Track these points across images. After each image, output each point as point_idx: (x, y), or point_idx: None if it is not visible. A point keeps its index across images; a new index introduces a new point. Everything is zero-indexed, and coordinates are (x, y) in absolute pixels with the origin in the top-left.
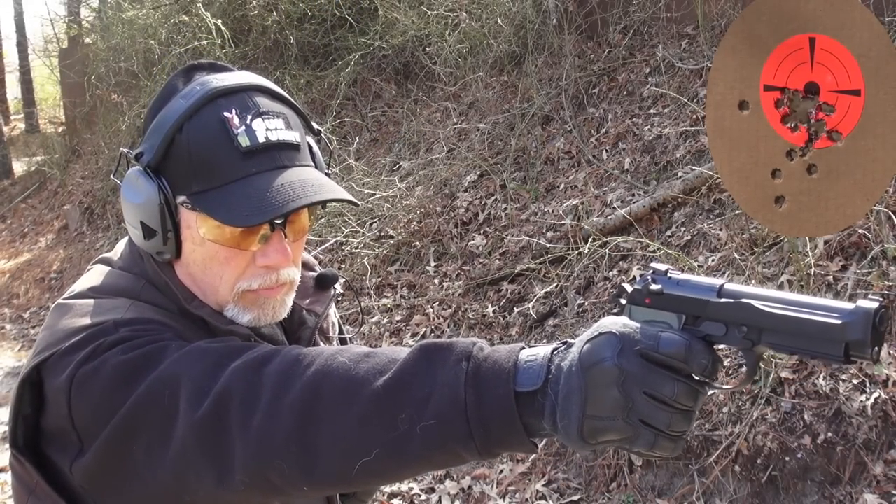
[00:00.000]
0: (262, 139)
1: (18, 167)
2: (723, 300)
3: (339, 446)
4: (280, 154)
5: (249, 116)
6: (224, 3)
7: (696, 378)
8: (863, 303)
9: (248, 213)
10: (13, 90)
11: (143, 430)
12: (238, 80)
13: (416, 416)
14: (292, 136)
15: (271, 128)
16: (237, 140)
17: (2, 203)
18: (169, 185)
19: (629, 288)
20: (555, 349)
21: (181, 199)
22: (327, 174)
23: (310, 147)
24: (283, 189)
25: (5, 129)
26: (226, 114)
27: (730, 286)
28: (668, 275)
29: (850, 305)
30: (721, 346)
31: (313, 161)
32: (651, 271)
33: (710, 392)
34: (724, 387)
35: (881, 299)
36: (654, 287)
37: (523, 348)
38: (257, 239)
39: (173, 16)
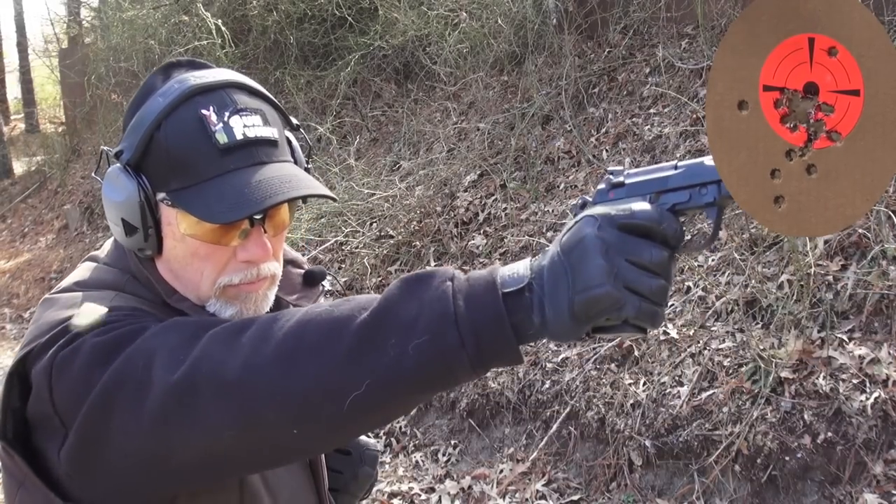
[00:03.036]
0: (239, 136)
1: (18, 167)
2: (680, 170)
3: (327, 386)
4: (258, 150)
5: (227, 113)
6: (224, 3)
7: (669, 244)
8: None
9: (227, 210)
10: (13, 90)
11: (118, 402)
12: (216, 78)
13: (406, 337)
14: (270, 132)
15: (249, 124)
16: (215, 137)
17: (2, 203)
18: (149, 183)
19: (590, 197)
20: (532, 257)
21: (161, 196)
22: (307, 169)
23: (289, 142)
24: (261, 185)
25: (5, 129)
26: (203, 111)
27: (684, 161)
28: (625, 171)
29: None
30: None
31: (292, 156)
32: (609, 173)
33: (680, 256)
34: (694, 251)
35: None
36: (615, 179)
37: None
38: (237, 234)
39: (173, 16)
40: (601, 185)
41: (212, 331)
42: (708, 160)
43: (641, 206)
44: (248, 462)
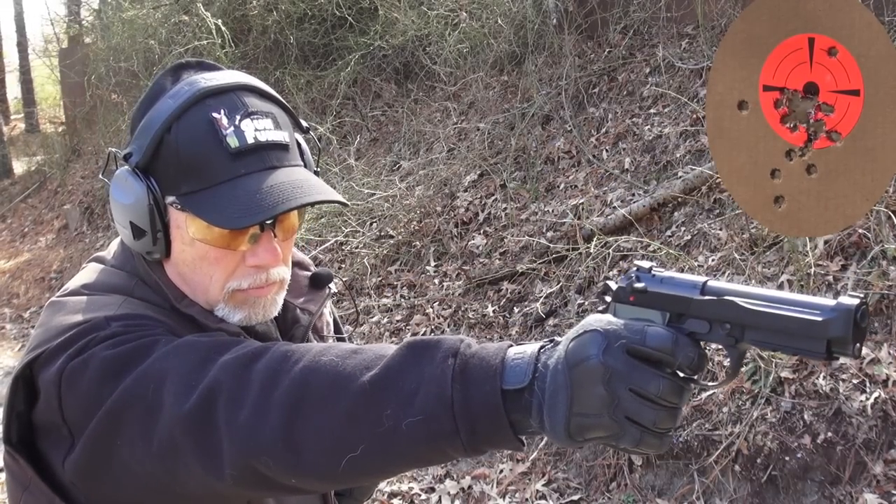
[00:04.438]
0: (250, 140)
1: (18, 167)
2: (706, 298)
3: (326, 442)
4: (269, 154)
5: (238, 117)
6: (224, 3)
7: (682, 374)
8: (844, 300)
9: (238, 215)
10: (13, 90)
11: (126, 423)
12: (226, 80)
13: (402, 412)
14: (281, 136)
15: (260, 128)
16: (226, 141)
17: (2, 203)
18: (158, 186)
19: (614, 286)
20: (541, 347)
21: (170, 199)
22: (316, 172)
23: (299, 146)
24: (273, 190)
25: (5, 129)
26: (214, 114)
27: (713, 283)
28: (652, 272)
29: (831, 302)
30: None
31: (302, 160)
32: (635, 269)
33: (694, 389)
34: (709, 384)
35: (862, 296)
36: (637, 285)
37: (511, 346)
38: (247, 239)
39: (173, 16)
40: (624, 280)
41: (222, 359)
42: (741, 300)
43: (655, 332)
44: (248, 495)
